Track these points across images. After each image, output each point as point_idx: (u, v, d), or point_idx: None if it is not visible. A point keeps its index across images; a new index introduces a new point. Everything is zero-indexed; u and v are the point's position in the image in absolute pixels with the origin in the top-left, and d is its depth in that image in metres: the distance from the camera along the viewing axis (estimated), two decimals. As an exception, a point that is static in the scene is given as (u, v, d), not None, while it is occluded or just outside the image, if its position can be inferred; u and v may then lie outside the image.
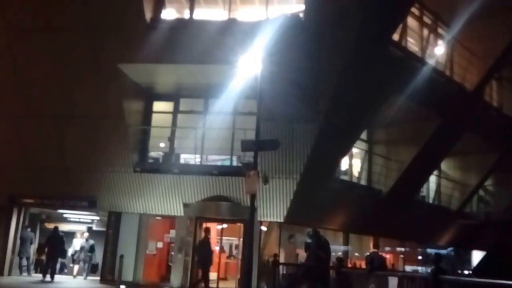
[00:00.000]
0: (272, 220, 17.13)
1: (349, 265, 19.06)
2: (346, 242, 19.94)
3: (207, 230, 17.04)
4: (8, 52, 17.56)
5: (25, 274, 19.69)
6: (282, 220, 16.92)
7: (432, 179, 24.03)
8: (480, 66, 20.89)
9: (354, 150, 19.79)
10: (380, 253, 15.16)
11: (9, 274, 19.04)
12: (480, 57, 20.87)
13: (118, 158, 17.67)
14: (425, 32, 20.06)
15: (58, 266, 20.01)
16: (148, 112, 18.65)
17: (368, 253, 15.43)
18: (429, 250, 24.55)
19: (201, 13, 17.30)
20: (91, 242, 20.33)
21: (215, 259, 18.19)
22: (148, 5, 16.53)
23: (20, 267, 19.81)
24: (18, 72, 17.59)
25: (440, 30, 20.78)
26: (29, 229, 20.03)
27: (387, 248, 22.43)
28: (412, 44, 19.37)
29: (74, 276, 19.96)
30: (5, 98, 18.10)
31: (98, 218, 21.85)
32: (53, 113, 17.63)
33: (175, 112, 18.78)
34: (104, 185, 18.11)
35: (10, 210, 19.48)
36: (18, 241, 19.51)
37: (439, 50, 20.54)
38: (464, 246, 27.00)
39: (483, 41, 20.30)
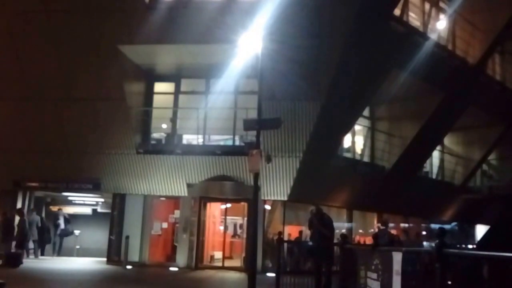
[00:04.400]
0: (275, 198, 17.21)
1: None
2: (350, 219, 20.00)
3: None
4: (8, 35, 17.47)
5: (32, 257, 19.84)
6: (285, 199, 17.01)
7: (435, 154, 24.00)
8: (483, 39, 20.69)
9: (357, 127, 19.73)
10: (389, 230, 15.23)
11: (17, 257, 19.18)
12: (482, 31, 20.66)
13: (120, 140, 17.69)
14: (427, 6, 19.83)
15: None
16: (149, 94, 18.62)
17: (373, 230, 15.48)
18: (432, 226, 24.62)
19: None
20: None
21: (220, 238, 18.29)
22: (146, -14, 16.39)
23: (27, 250, 19.95)
24: (18, 55, 17.52)
25: (441, 4, 20.55)
26: (34, 212, 20.13)
27: (391, 224, 22.47)
28: (414, 18, 19.16)
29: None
30: (6, 81, 18.06)
31: (102, 200, 21.92)
32: (54, 96, 17.61)
33: (177, 92, 18.74)
34: (108, 167, 18.18)
35: (15, 193, 19.60)
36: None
37: (441, 24, 20.32)
38: (468, 220, 27.07)
39: (485, 14, 20.10)
